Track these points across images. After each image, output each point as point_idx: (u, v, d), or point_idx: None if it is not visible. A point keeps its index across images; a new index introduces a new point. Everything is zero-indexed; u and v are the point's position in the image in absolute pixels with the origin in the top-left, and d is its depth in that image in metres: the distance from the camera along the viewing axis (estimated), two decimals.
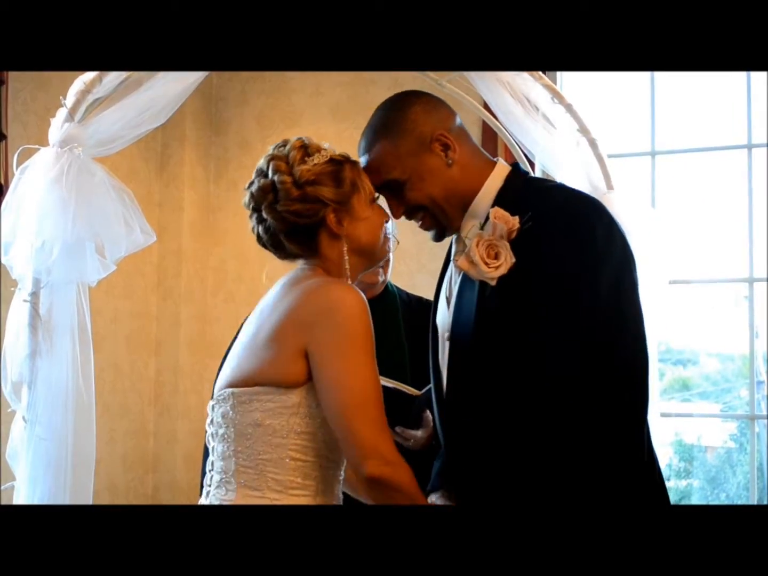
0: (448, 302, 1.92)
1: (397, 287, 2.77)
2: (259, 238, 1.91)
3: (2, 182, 3.40)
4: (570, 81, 4.32)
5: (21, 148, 2.33)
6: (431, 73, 2.79)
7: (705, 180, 4.21)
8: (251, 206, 1.89)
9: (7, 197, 2.23)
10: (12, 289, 2.27)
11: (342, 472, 1.83)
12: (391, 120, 1.89)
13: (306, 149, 1.86)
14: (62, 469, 2.21)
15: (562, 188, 1.93)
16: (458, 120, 1.93)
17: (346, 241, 1.85)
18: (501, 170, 1.90)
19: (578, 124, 2.63)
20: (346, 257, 1.84)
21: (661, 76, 4.22)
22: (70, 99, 2.26)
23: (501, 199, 1.83)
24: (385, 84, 4.46)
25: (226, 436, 1.79)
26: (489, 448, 1.77)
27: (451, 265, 1.95)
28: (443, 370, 1.92)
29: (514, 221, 1.74)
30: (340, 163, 1.87)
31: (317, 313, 1.71)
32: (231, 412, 1.77)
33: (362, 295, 1.75)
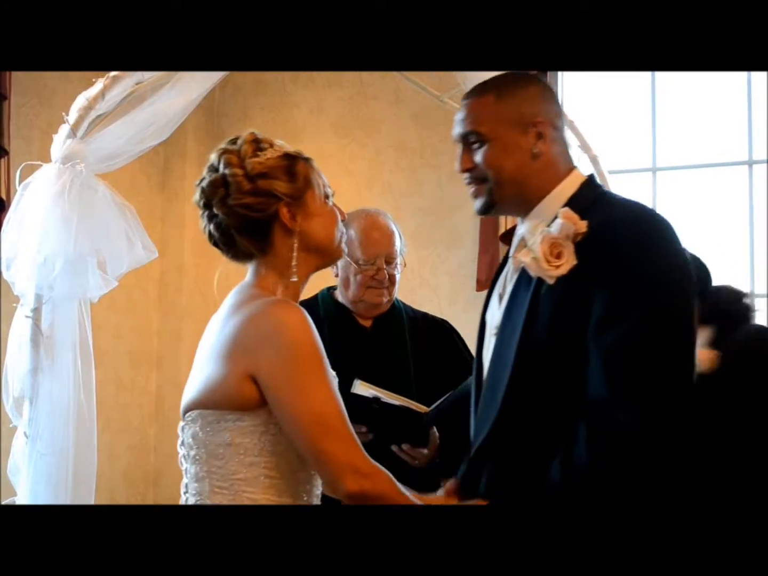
0: (500, 298, 1.93)
1: (403, 303, 2.78)
2: (210, 236, 1.84)
3: (4, 198, 3.41)
4: (571, 97, 4.33)
5: (23, 164, 2.34)
6: (432, 89, 2.80)
7: (706, 196, 4.21)
8: (202, 202, 1.81)
9: (9, 213, 2.24)
10: (14, 304, 2.28)
11: (316, 486, 1.78)
12: (509, 84, 1.90)
13: (258, 143, 1.81)
14: (63, 484, 2.21)
15: (633, 203, 1.94)
16: (563, 123, 1.94)
17: (299, 238, 1.79)
18: (576, 177, 1.90)
19: (579, 141, 2.64)
20: (295, 254, 1.79)
21: (662, 91, 4.24)
22: (72, 115, 2.27)
23: (571, 205, 1.84)
24: (386, 99, 4.48)
25: (197, 457, 1.74)
26: (526, 451, 1.77)
27: (509, 263, 1.96)
28: (485, 365, 1.93)
29: (582, 224, 1.75)
30: (293, 158, 1.82)
31: (260, 338, 1.67)
32: (200, 433, 1.73)
33: (305, 312, 1.70)
